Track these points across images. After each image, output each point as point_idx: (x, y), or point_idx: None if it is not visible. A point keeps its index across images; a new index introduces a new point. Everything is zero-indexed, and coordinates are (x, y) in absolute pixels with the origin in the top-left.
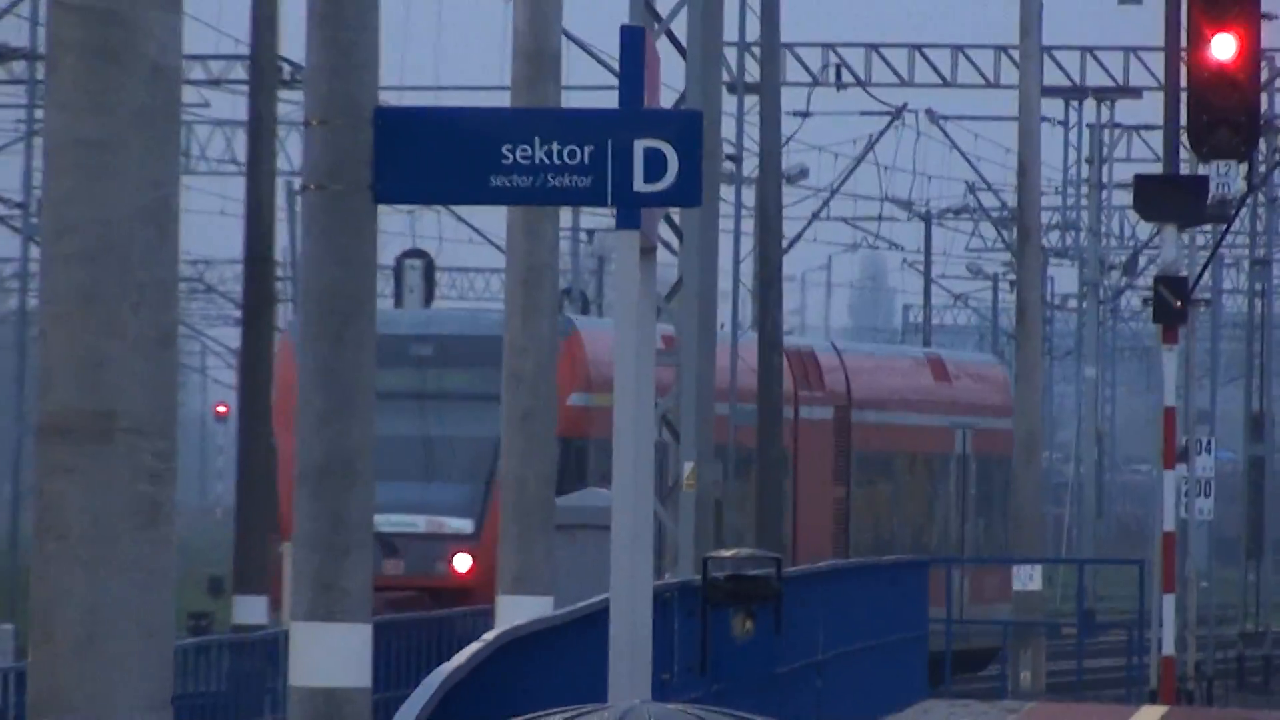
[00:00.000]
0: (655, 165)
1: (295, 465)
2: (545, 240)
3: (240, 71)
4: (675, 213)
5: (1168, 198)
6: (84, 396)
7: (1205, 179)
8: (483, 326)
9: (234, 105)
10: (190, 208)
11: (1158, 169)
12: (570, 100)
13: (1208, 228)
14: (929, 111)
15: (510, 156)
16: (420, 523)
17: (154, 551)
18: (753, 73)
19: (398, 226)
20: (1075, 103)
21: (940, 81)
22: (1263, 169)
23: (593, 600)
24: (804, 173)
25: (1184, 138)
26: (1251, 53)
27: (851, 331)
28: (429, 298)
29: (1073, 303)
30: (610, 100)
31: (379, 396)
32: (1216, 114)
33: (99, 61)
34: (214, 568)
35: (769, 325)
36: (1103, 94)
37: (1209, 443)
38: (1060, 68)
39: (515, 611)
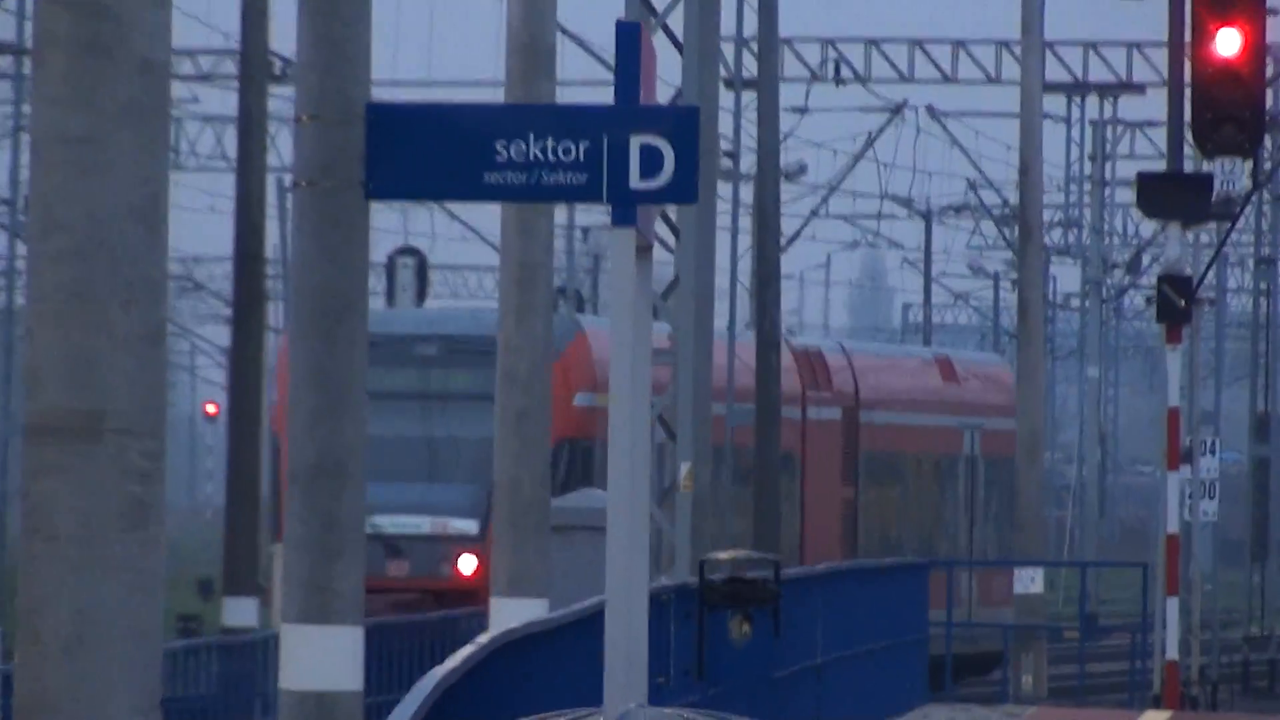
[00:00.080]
0: (651, 162)
1: (287, 465)
2: (540, 238)
3: (230, 66)
4: (672, 210)
5: (1171, 195)
6: (72, 396)
7: (1209, 176)
8: (485, 326)
9: (224, 100)
10: (180, 204)
11: (1161, 166)
12: (565, 96)
13: (1212, 226)
14: (929, 108)
15: (504, 153)
16: (425, 524)
17: (143, 552)
18: (750, 68)
19: (390, 224)
20: (1078, 99)
21: (941, 77)
22: (1268, 166)
23: (588, 603)
24: (802, 170)
25: (1188, 134)
26: (1256, 48)
27: (850, 331)
28: (422, 296)
29: (1075, 302)
30: (606, 96)
31: (382, 397)
32: (1221, 110)
33: (87, 56)
34: (204, 569)
35: (767, 324)
36: (1105, 90)
37: (1213, 444)
38: (1062, 63)
39: (510, 614)
